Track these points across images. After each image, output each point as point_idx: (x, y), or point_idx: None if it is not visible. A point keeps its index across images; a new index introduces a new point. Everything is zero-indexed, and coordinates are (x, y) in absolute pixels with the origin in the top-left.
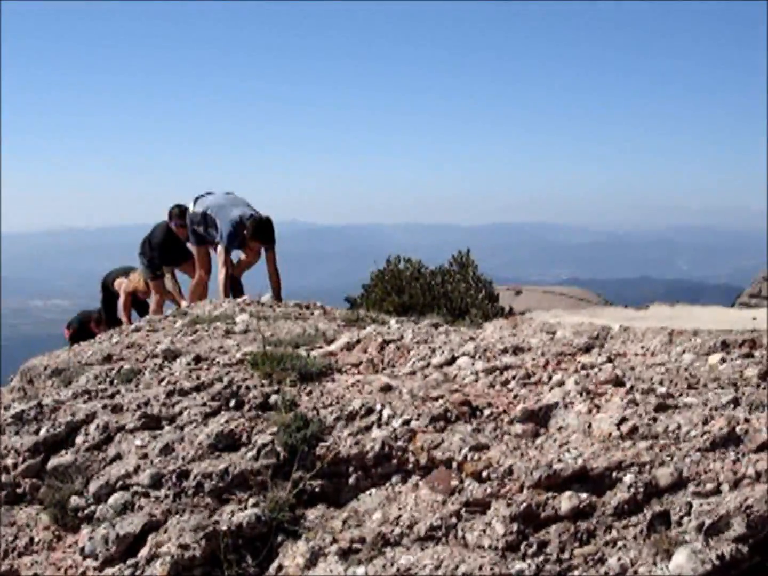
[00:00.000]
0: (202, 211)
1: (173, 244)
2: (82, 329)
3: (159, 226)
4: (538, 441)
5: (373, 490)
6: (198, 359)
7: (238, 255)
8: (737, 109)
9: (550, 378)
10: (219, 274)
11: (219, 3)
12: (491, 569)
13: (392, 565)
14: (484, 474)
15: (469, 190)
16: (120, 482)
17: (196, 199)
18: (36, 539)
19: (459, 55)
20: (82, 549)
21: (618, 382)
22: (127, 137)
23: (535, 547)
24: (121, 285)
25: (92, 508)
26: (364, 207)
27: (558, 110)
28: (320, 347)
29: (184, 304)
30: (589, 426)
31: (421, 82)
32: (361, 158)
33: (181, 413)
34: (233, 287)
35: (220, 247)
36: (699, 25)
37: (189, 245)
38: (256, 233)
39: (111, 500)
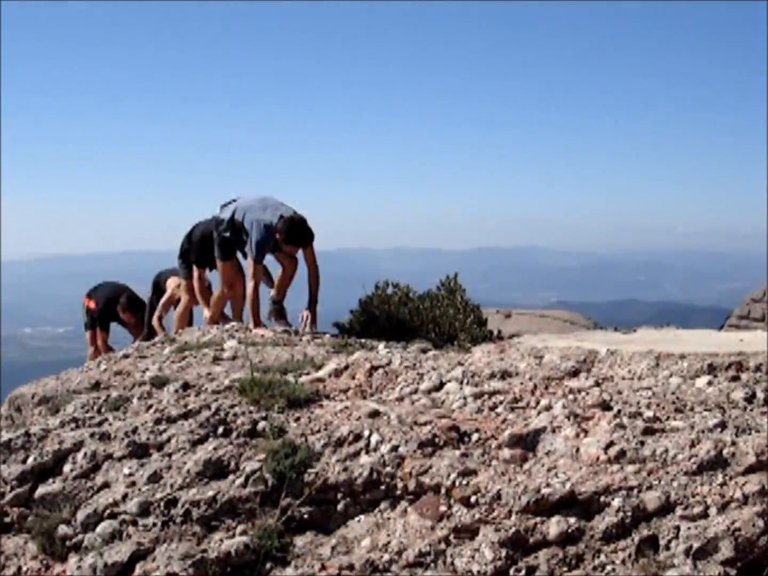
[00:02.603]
0: (228, 216)
1: (211, 246)
2: (108, 308)
3: (201, 225)
4: (526, 466)
5: (362, 517)
6: (186, 386)
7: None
8: (726, 134)
9: (537, 402)
10: (247, 286)
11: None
12: None
13: None
14: (473, 499)
15: (457, 215)
16: (108, 510)
17: (224, 206)
18: (24, 568)
19: (445, 79)
20: None
21: (605, 406)
22: (116, 165)
23: (524, 572)
24: (171, 286)
25: (80, 536)
26: (353, 231)
27: (545, 134)
28: (308, 373)
29: (206, 313)
30: (577, 450)
31: (409, 108)
32: (350, 183)
33: (169, 441)
34: (279, 312)
35: (249, 259)
36: (685, 46)
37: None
38: (289, 236)
39: (99, 529)
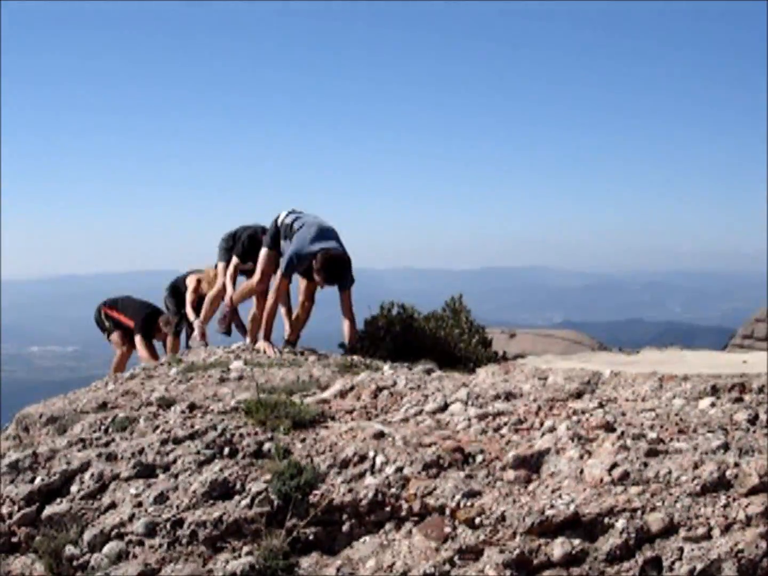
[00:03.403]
0: (289, 222)
1: (255, 250)
2: (148, 324)
3: (250, 229)
4: (531, 487)
5: (367, 538)
6: (192, 407)
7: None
8: (729, 155)
9: (542, 424)
10: (269, 298)
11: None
12: None
13: None
14: (477, 521)
15: (462, 235)
16: (114, 531)
17: (291, 212)
18: None
19: (448, 96)
20: None
21: (609, 428)
22: (122, 184)
23: None
24: (192, 283)
25: (87, 557)
26: (358, 251)
27: (550, 155)
28: (314, 394)
29: (230, 290)
30: (581, 472)
31: (415, 128)
32: (355, 202)
33: (175, 461)
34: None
35: (279, 272)
36: (689, 63)
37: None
38: (323, 266)
39: (106, 549)
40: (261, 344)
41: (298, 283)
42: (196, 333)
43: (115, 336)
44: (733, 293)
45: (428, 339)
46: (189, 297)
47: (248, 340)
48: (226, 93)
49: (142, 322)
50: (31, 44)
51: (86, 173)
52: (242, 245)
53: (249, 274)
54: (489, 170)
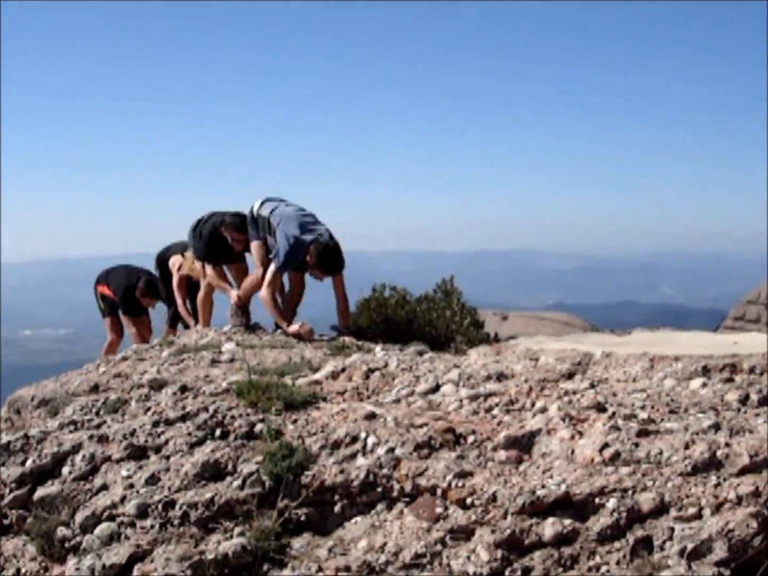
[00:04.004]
0: (266, 215)
1: (222, 245)
2: (128, 296)
3: (212, 220)
4: (522, 467)
5: (359, 518)
6: (184, 389)
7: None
8: (723, 136)
9: (533, 404)
10: (262, 290)
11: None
12: None
13: None
14: (469, 501)
15: (454, 217)
16: (106, 512)
17: (265, 201)
18: (23, 570)
19: (443, 80)
20: None
21: (600, 408)
22: (116, 167)
23: (519, 573)
24: (176, 265)
25: (78, 538)
26: (350, 234)
27: (542, 138)
28: (305, 376)
29: (233, 293)
30: (572, 452)
31: (406, 110)
32: (347, 185)
33: (166, 443)
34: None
35: (273, 265)
36: (682, 48)
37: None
38: (320, 262)
39: (97, 531)
40: (292, 329)
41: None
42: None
43: (107, 321)
44: (727, 276)
45: (420, 321)
46: (178, 298)
47: (199, 325)
48: (213, 77)
49: (123, 295)
50: (25, 37)
51: (81, 156)
52: (205, 245)
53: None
54: (482, 152)
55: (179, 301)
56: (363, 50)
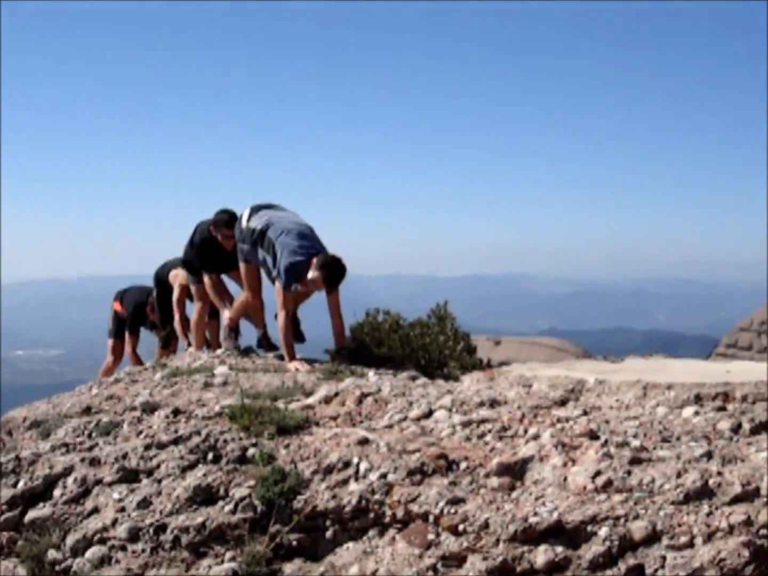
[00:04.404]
0: (260, 228)
1: (216, 249)
2: (138, 313)
3: (201, 227)
4: (514, 494)
5: (351, 544)
6: (176, 412)
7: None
8: (716, 165)
9: (526, 431)
10: (278, 315)
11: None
12: None
13: None
14: (461, 527)
15: (448, 242)
16: (97, 536)
17: (255, 210)
18: None
19: (437, 103)
20: None
21: (593, 436)
22: (110, 187)
23: None
24: (177, 277)
25: (69, 561)
26: (344, 257)
27: (536, 164)
28: (298, 400)
29: (226, 314)
30: (565, 479)
31: (402, 134)
32: (342, 209)
33: (158, 466)
34: (269, 345)
35: (278, 285)
36: (677, 71)
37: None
38: (325, 271)
39: (88, 554)
40: (293, 365)
41: (275, 290)
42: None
43: (110, 342)
44: (719, 302)
45: (413, 346)
46: (176, 312)
47: (192, 348)
48: (201, 97)
49: (133, 311)
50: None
51: (75, 175)
52: (201, 256)
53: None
54: (477, 177)
55: (177, 315)
56: (363, 69)
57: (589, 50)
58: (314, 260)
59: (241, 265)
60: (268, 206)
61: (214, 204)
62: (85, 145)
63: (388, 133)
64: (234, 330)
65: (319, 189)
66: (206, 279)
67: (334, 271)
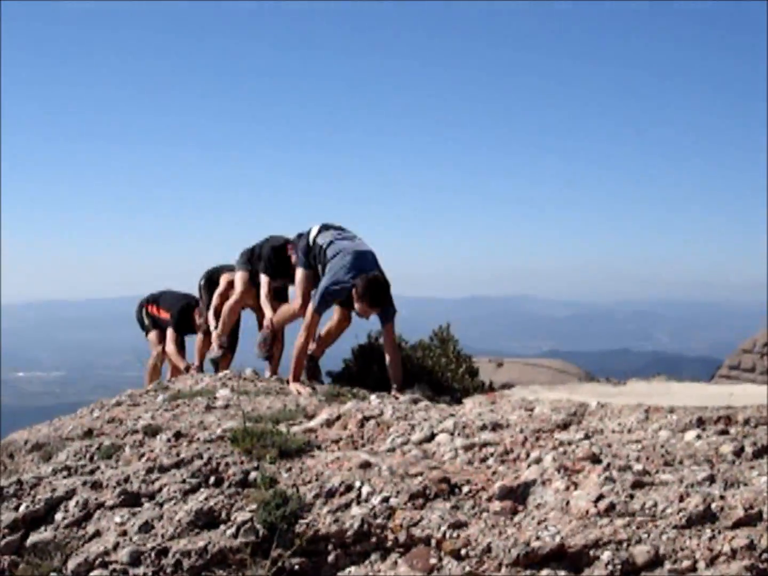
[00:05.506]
0: (323, 245)
1: (283, 262)
2: (184, 317)
3: (272, 241)
4: (516, 518)
5: (353, 568)
6: (178, 435)
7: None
8: (716, 186)
9: (528, 455)
10: (299, 335)
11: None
12: None
13: None
14: (463, 552)
15: (449, 263)
16: (99, 560)
17: (324, 228)
18: None
19: (434, 124)
20: None
21: (595, 459)
22: (111, 210)
23: None
24: (224, 283)
25: None
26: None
27: (536, 185)
28: (300, 423)
29: (268, 317)
30: (567, 503)
31: (401, 157)
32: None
33: (160, 490)
34: (314, 370)
35: (311, 305)
36: (674, 89)
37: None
38: (367, 292)
39: None
40: (293, 386)
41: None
42: (214, 345)
43: (152, 335)
44: (721, 323)
45: (415, 368)
46: (215, 300)
47: (218, 331)
48: (194, 116)
49: (177, 314)
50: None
51: (76, 198)
52: (269, 261)
53: (275, 290)
54: (476, 199)
55: (214, 302)
56: (363, 84)
57: (589, 74)
58: (353, 292)
59: (299, 271)
60: (337, 228)
61: (209, 232)
62: (89, 167)
63: (388, 154)
64: (271, 338)
65: (316, 210)
66: (262, 277)
67: (374, 294)
